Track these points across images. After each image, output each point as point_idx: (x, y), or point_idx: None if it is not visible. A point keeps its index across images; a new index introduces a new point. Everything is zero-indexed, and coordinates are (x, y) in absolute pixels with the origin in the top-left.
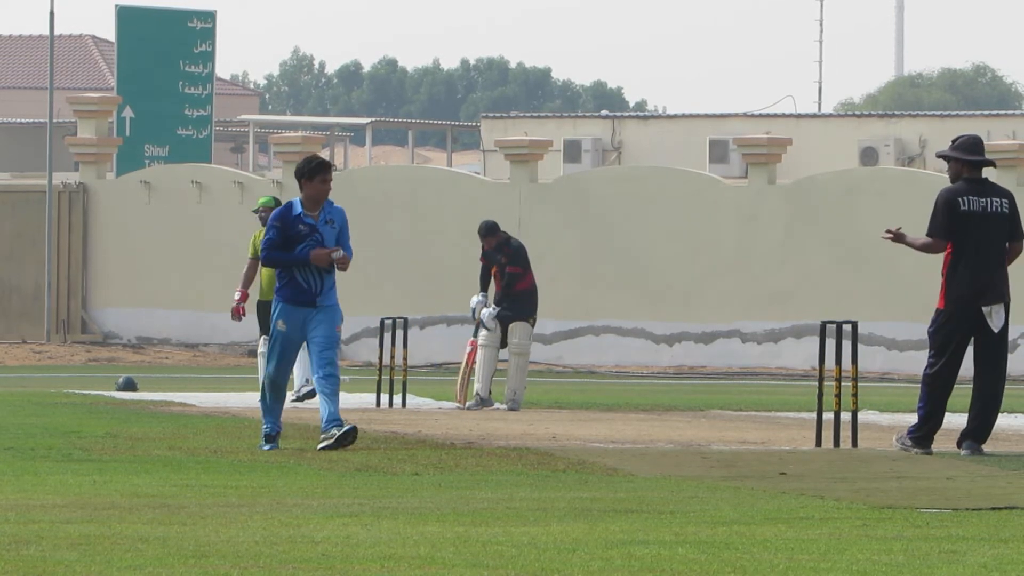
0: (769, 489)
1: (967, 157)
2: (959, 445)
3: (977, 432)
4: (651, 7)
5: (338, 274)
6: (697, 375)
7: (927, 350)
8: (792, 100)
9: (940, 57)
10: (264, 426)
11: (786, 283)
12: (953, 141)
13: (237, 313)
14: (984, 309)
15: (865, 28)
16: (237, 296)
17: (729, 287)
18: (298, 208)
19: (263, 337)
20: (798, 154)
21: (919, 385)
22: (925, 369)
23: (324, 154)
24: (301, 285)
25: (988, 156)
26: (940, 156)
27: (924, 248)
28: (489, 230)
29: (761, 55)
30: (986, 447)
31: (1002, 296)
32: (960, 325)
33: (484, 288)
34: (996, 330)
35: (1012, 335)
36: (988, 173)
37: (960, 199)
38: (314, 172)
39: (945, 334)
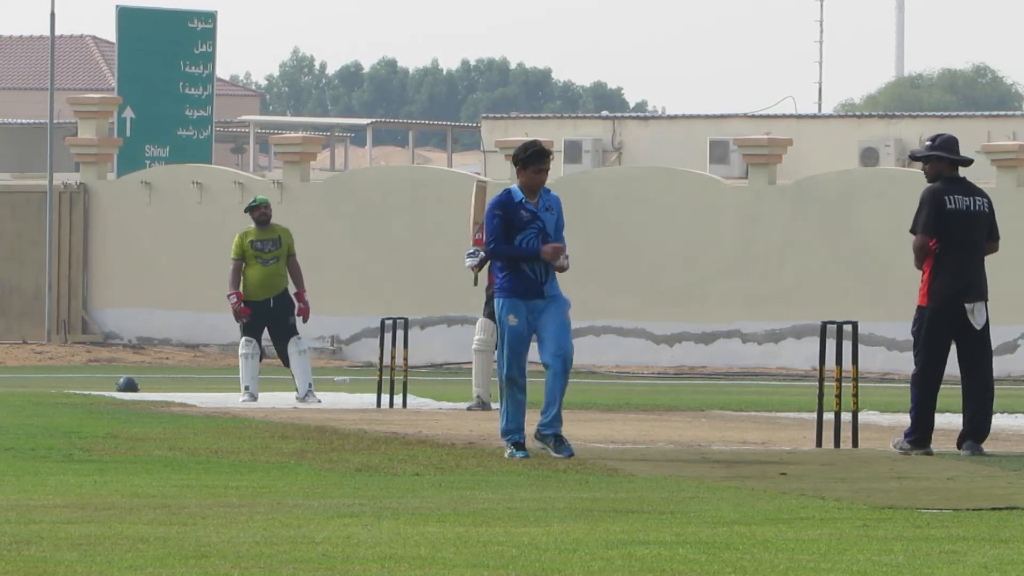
0: (770, 489)
1: (951, 156)
2: (959, 446)
3: (975, 432)
4: (651, 8)
5: (339, 276)
6: (697, 375)
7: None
8: (792, 101)
9: (940, 58)
10: (509, 434)
11: (786, 283)
12: (932, 140)
13: (244, 312)
14: (967, 306)
15: (865, 29)
16: (234, 299)
17: (729, 287)
18: (519, 195)
19: (244, 339)
20: (798, 155)
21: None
22: (913, 371)
23: (324, 155)
24: (528, 275)
25: (993, 157)
26: (917, 157)
27: (917, 252)
28: None
29: (761, 56)
30: (986, 447)
31: (983, 294)
32: (944, 323)
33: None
34: (979, 327)
35: (1012, 335)
36: (970, 172)
37: (946, 198)
38: (528, 161)
39: (930, 333)
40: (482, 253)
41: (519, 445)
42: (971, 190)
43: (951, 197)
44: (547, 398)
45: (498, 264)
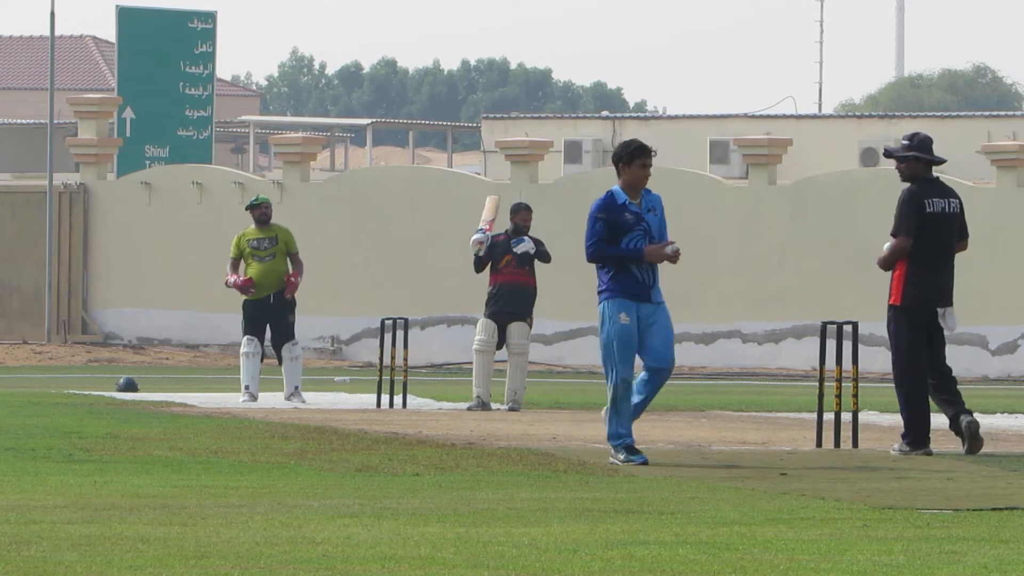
0: (770, 490)
1: (929, 157)
2: (952, 427)
3: (961, 412)
4: (651, 8)
5: (340, 276)
6: (697, 375)
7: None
8: (793, 101)
9: (940, 58)
10: (621, 438)
11: (786, 283)
12: (909, 139)
13: (246, 285)
14: (939, 310)
15: (865, 29)
16: (233, 278)
17: (729, 287)
18: (622, 196)
19: (246, 337)
20: (799, 155)
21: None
22: (894, 373)
23: (324, 155)
24: (636, 277)
25: (993, 157)
26: (893, 155)
27: (896, 253)
28: (527, 207)
29: (761, 56)
30: (987, 447)
31: (952, 299)
32: (919, 324)
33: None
34: (951, 332)
35: (1012, 335)
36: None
37: (926, 200)
38: (632, 156)
39: (906, 332)
40: (489, 235)
41: (633, 449)
42: (946, 191)
43: (929, 200)
44: (635, 404)
45: (604, 267)
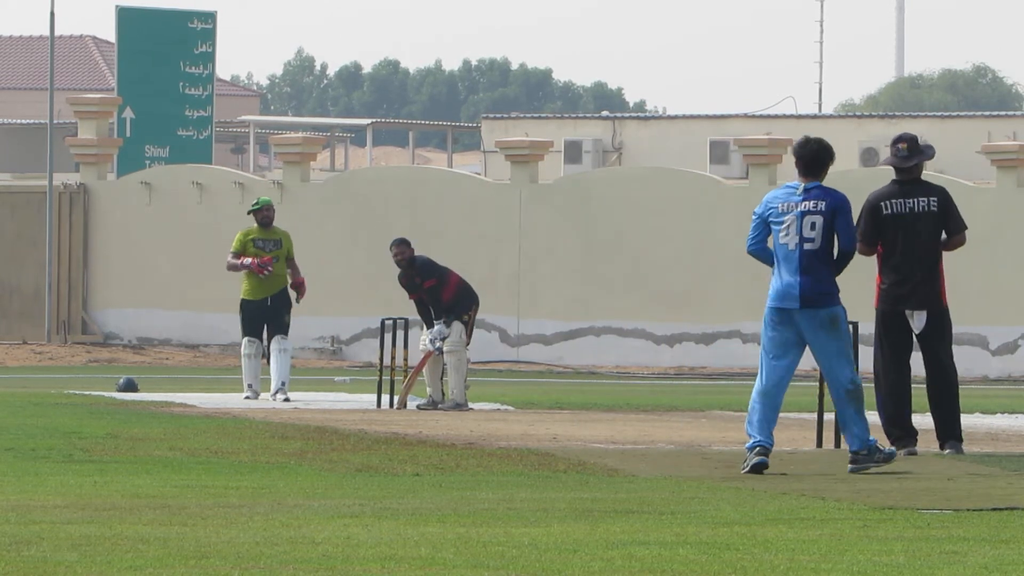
0: (770, 490)
1: (883, 164)
2: (941, 448)
3: (953, 429)
4: (652, 9)
5: (340, 276)
6: (698, 375)
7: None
8: (793, 101)
9: (940, 58)
10: (758, 439)
11: None
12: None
13: (265, 263)
14: (907, 312)
15: (865, 29)
16: (248, 260)
17: (730, 287)
18: None
19: (247, 339)
20: None
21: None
22: (874, 372)
23: (324, 155)
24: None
25: (993, 157)
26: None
27: (866, 257)
28: (401, 241)
29: (762, 56)
30: (986, 447)
31: (923, 303)
32: (892, 326)
33: (430, 323)
34: (917, 332)
35: (1012, 335)
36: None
37: (883, 203)
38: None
39: (882, 334)
40: (432, 340)
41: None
42: (917, 191)
43: (888, 202)
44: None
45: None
